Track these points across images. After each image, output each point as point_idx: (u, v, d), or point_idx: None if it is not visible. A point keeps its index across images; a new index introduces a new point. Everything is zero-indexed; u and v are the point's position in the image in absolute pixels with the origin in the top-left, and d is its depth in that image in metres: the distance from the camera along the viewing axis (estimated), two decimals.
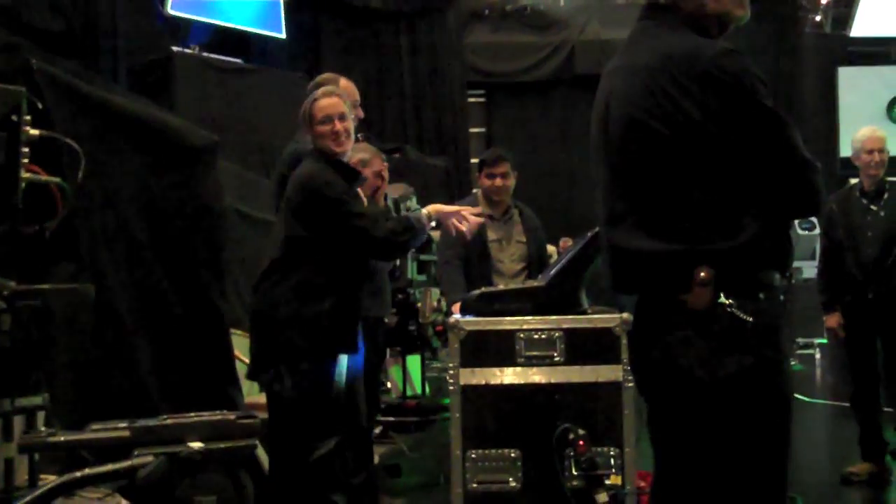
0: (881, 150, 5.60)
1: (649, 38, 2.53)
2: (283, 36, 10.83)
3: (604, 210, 2.58)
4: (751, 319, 2.33)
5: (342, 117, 4.07)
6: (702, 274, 2.33)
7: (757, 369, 2.35)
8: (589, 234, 4.11)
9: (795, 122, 2.42)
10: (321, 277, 3.91)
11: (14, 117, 2.50)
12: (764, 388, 2.38)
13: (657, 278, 2.43)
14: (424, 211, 3.97)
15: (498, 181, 5.36)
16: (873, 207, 5.58)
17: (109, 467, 2.18)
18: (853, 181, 5.91)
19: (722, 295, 2.34)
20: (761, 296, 2.38)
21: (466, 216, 4.13)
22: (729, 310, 2.33)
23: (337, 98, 4.13)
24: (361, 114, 4.76)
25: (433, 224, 3.96)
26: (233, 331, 5.63)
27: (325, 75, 4.77)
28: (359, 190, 4.57)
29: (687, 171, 2.36)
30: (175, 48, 9.36)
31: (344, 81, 4.77)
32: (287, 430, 3.92)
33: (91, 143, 4.50)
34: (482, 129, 13.16)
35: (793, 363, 9.11)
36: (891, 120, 10.72)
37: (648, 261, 2.43)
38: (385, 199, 5.53)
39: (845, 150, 6.08)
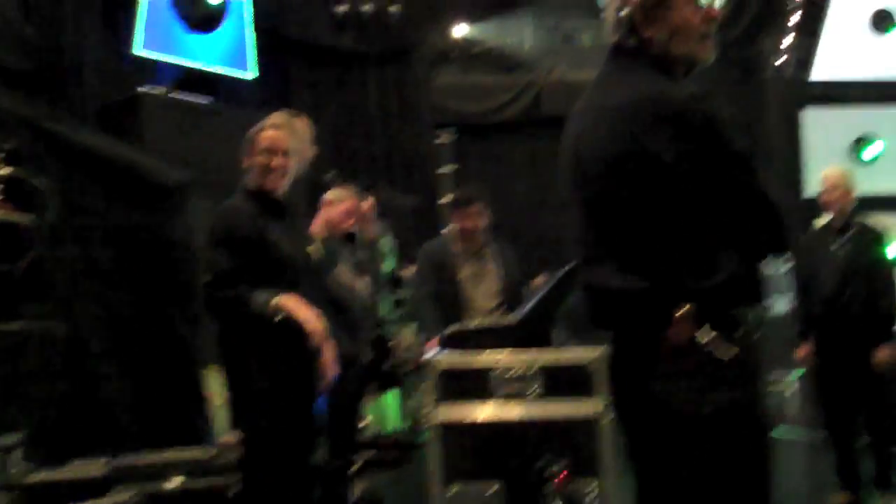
0: (835, 189, 5.70)
1: (618, 80, 2.58)
2: (251, 76, 10.83)
3: (580, 249, 2.60)
4: (730, 356, 2.35)
5: (285, 153, 3.97)
6: (682, 311, 2.35)
7: (737, 405, 2.38)
8: (562, 270, 4.13)
9: (762, 165, 2.46)
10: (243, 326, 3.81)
11: None
12: (743, 424, 2.41)
13: (636, 315, 2.46)
14: (275, 301, 3.71)
15: (468, 223, 5.38)
16: (834, 246, 5.67)
17: None
18: (820, 220, 5.99)
19: (701, 331, 2.36)
20: (739, 332, 2.41)
21: (314, 329, 3.78)
22: (708, 346, 2.35)
23: (284, 133, 4.02)
24: (310, 153, 4.68)
25: (278, 317, 3.70)
26: (204, 369, 5.58)
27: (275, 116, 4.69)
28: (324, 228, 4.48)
29: (661, 211, 2.39)
30: (142, 88, 9.30)
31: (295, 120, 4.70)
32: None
33: (62, 182, 4.48)
34: (451, 169, 13.20)
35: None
36: (856, 160, 10.86)
37: (627, 299, 2.45)
38: (353, 238, 5.52)
39: (810, 190, 6.16)
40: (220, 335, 3.94)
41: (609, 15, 2.64)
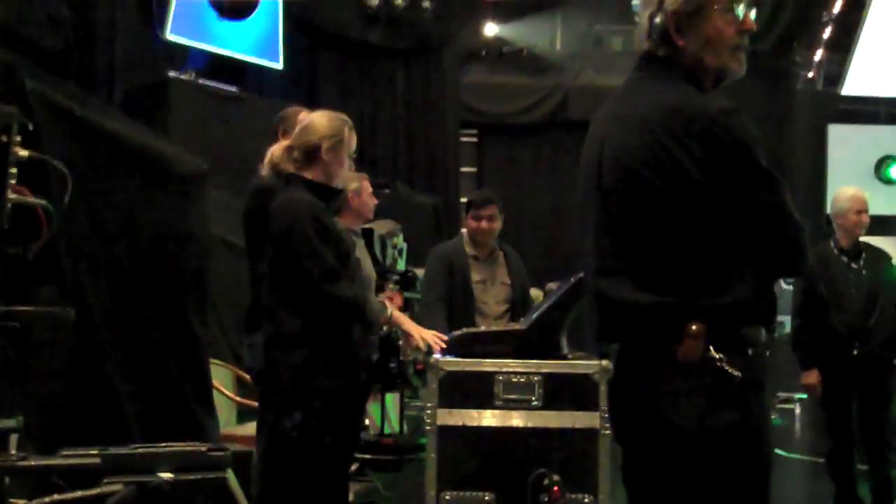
0: (867, 211, 5.66)
1: (647, 89, 2.55)
2: (279, 66, 10.87)
3: (593, 259, 2.58)
4: (739, 374, 2.34)
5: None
6: (693, 327, 2.34)
7: (742, 425, 2.37)
8: (572, 280, 4.12)
9: (786, 179, 2.45)
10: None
11: (3, 137, 2.50)
12: (747, 444, 2.40)
13: (646, 329, 2.44)
14: (390, 312, 3.78)
15: (484, 224, 5.36)
16: (854, 266, 5.62)
17: (78, 494, 2.17)
18: (829, 240, 5.89)
19: (712, 349, 2.35)
20: (749, 351, 2.40)
21: (428, 340, 3.91)
22: (719, 364, 2.34)
23: None
24: None
25: (384, 328, 3.76)
26: (212, 361, 5.61)
27: (293, 109, 4.59)
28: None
29: (681, 225, 2.37)
30: (171, 73, 9.36)
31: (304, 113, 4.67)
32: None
33: (80, 165, 4.50)
34: (473, 169, 13.19)
35: (773, 417, 9.11)
36: (879, 179, 10.80)
37: (638, 312, 2.43)
38: (371, 235, 5.54)
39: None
40: (278, 332, 3.80)
41: (642, 21, 2.61)
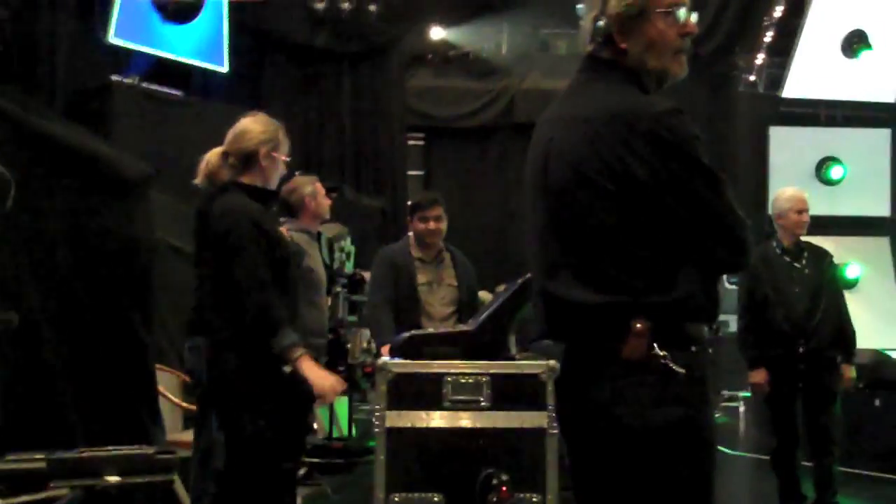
0: (807, 211, 5.77)
1: (591, 90, 2.58)
2: (225, 70, 10.79)
3: (539, 258, 2.60)
4: (683, 371, 2.37)
5: None
6: (638, 325, 2.37)
7: (686, 421, 2.40)
8: (519, 281, 4.15)
9: (728, 179, 2.48)
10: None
11: None
12: (692, 440, 2.43)
13: (592, 328, 2.46)
14: (297, 356, 3.67)
15: (431, 224, 5.39)
16: (797, 265, 5.73)
17: (23, 499, 2.15)
18: (771, 240, 5.99)
19: (656, 346, 2.38)
20: (693, 348, 2.43)
21: (327, 391, 3.81)
22: (663, 361, 2.37)
23: None
24: None
25: (286, 368, 3.66)
26: (158, 366, 5.55)
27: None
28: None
29: (626, 224, 2.40)
30: (114, 77, 9.25)
31: None
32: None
33: (23, 170, 4.44)
34: (420, 172, 13.20)
35: (717, 415, 9.22)
36: (819, 181, 10.99)
37: (584, 311, 2.45)
38: (319, 237, 5.53)
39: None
40: (214, 337, 3.83)
41: (586, 24, 2.63)
